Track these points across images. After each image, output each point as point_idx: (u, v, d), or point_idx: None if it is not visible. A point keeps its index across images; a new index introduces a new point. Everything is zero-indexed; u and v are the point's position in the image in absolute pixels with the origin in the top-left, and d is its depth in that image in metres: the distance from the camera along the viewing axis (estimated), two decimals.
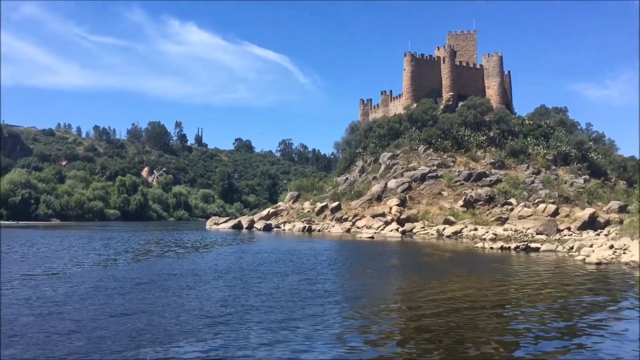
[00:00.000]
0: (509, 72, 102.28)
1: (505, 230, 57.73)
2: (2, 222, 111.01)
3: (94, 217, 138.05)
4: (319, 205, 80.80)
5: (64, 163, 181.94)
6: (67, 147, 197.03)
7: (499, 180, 75.84)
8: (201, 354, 11.09)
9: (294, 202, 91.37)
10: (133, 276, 23.90)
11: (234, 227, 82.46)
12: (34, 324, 13.54)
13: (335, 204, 78.50)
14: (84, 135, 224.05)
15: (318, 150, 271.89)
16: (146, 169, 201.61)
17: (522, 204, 67.68)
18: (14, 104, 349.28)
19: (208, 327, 13.66)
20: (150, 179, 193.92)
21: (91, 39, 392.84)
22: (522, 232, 56.01)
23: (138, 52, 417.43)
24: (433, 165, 79.71)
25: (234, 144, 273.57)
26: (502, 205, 69.05)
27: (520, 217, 63.00)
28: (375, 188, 77.62)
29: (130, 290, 19.38)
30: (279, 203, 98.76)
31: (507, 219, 64.90)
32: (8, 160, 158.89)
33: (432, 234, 61.54)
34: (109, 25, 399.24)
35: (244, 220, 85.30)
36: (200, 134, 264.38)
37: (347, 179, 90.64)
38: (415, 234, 63.47)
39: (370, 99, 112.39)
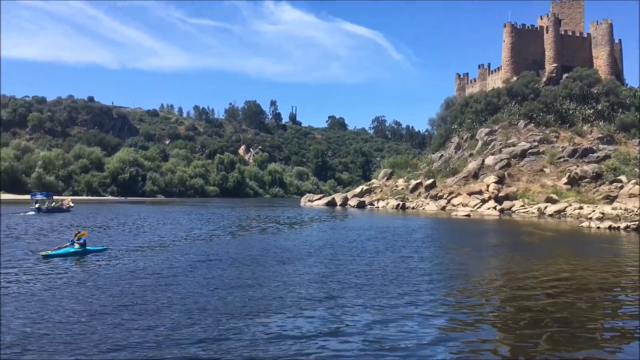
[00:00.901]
0: (619, 40, 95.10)
1: (614, 209, 54.24)
2: (112, 197, 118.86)
3: (195, 194, 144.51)
4: (413, 182, 79.73)
5: (167, 142, 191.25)
6: (169, 127, 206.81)
7: (607, 157, 71.11)
8: (295, 330, 11.23)
9: (387, 179, 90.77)
10: (232, 251, 24.71)
11: (328, 204, 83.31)
12: (140, 295, 14.30)
13: (430, 181, 77.12)
14: (185, 115, 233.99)
15: (412, 127, 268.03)
16: (243, 147, 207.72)
17: (633, 181, 63.14)
18: (122, 86, 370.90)
19: (304, 302, 13.81)
20: (246, 157, 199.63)
21: (190, 21, 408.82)
22: (632, 211, 52.38)
23: (234, 33, 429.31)
24: (534, 141, 76.05)
25: (327, 121, 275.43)
26: (611, 183, 64.78)
27: (631, 196, 58.87)
28: (472, 165, 75.35)
29: (229, 265, 20.03)
30: (373, 180, 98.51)
31: (616, 197, 60.92)
32: (117, 140, 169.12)
33: (532, 213, 59.02)
34: (207, 8, 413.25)
35: (338, 198, 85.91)
36: (294, 112, 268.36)
37: (442, 156, 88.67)
38: (514, 212, 61.16)
39: (467, 73, 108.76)
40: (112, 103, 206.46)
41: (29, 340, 9.85)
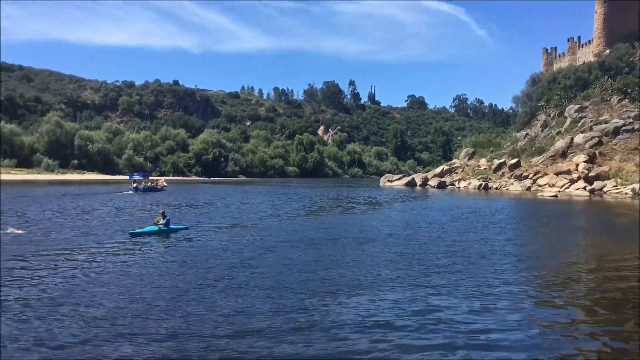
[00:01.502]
0: None
1: None
2: (197, 177, 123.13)
3: (275, 174, 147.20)
4: (496, 162, 77.24)
5: (248, 123, 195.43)
6: (250, 108, 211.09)
7: None
8: (374, 312, 11.11)
9: (469, 159, 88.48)
10: (311, 231, 24.86)
11: (408, 184, 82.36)
12: (222, 274, 14.65)
13: (514, 160, 74.43)
14: (265, 96, 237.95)
15: (495, 105, 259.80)
16: (322, 127, 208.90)
17: None
18: (205, 69, 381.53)
19: (383, 284, 13.64)
20: (325, 137, 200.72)
21: (270, 4, 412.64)
22: None
23: (313, 13, 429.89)
24: (629, 117, 71.38)
25: (406, 100, 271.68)
26: None
27: None
28: (560, 144, 71.92)
29: (309, 244, 20.14)
30: (454, 160, 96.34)
31: None
32: (201, 122, 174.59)
33: (626, 194, 55.68)
34: None
35: (418, 178, 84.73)
36: (373, 91, 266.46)
37: (527, 134, 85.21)
38: (605, 193, 57.97)
39: (555, 48, 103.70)
40: (196, 86, 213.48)
41: (120, 314, 10.31)
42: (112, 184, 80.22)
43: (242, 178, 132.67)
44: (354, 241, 21.12)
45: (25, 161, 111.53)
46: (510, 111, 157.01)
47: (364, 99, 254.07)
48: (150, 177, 73.62)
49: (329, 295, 12.18)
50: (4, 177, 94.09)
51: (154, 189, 61.73)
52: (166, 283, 12.93)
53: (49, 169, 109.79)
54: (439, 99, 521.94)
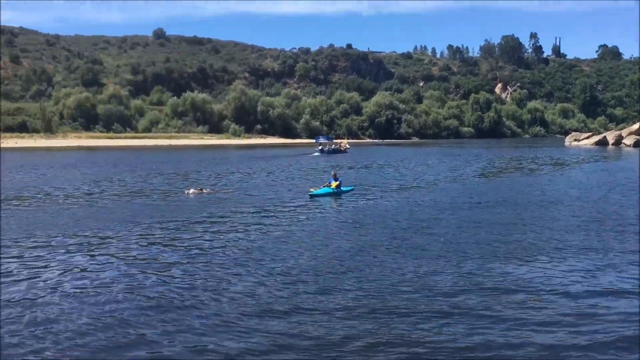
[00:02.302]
0: None
1: None
2: (370, 140, 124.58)
3: (450, 135, 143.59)
4: None
5: (421, 84, 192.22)
6: (423, 69, 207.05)
7: None
8: (557, 279, 10.16)
9: None
10: (489, 192, 23.79)
11: (598, 143, 75.38)
12: (394, 235, 14.54)
13: None
14: (438, 55, 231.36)
15: None
16: (499, 85, 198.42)
17: None
18: (377, 31, 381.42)
19: (567, 250, 12.46)
20: (503, 95, 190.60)
21: None
22: None
23: None
24: None
25: (597, 51, 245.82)
26: None
27: None
28: None
29: (487, 206, 19.22)
30: None
31: None
32: (373, 84, 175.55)
33: None
34: None
35: (610, 136, 76.96)
36: (557, 43, 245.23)
37: None
38: None
39: None
40: (368, 49, 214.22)
41: (300, 270, 10.65)
42: (299, 147, 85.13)
43: (415, 140, 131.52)
44: (536, 204, 19.71)
45: (215, 127, 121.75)
46: None
47: (547, 52, 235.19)
48: (334, 140, 78.06)
49: (510, 260, 11.43)
50: (200, 142, 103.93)
51: (337, 151, 65.19)
52: (344, 243, 13.08)
53: (235, 134, 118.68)
54: (636, 48, 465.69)
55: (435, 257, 11.58)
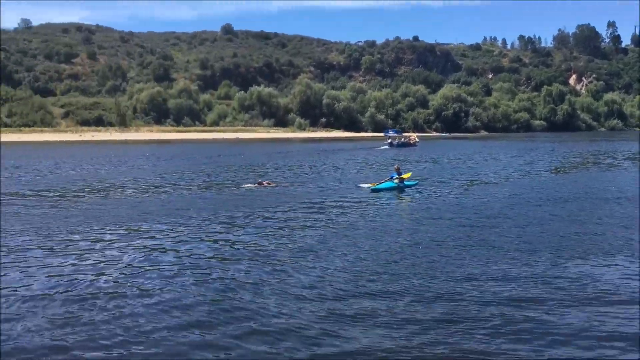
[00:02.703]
0: None
1: None
2: (436, 134, 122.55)
3: (520, 129, 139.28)
4: None
5: (490, 76, 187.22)
6: (492, 60, 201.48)
7: None
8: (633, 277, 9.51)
9: None
10: (562, 187, 22.73)
11: None
12: (462, 232, 14.08)
13: None
14: (508, 46, 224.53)
15: None
16: (573, 76, 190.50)
17: None
18: (445, 22, 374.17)
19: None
20: (578, 87, 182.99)
21: None
22: None
23: None
24: None
25: None
26: None
27: None
28: None
29: (559, 202, 18.24)
30: None
31: None
32: (440, 77, 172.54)
33: None
34: None
35: None
36: (637, 32, 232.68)
37: None
38: None
39: None
40: (435, 41, 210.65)
41: (362, 267, 10.47)
42: (365, 140, 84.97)
43: (483, 133, 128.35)
44: (611, 200, 18.67)
45: (281, 121, 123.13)
46: None
47: (626, 41, 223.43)
48: (403, 134, 78.25)
49: (585, 258, 10.79)
50: (266, 135, 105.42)
51: (406, 145, 64.99)
52: (406, 240, 12.65)
53: (301, 128, 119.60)
54: None
55: (506, 256, 11.05)
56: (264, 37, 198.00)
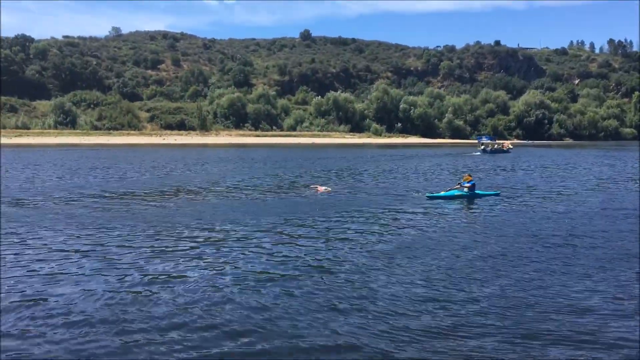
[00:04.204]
0: None
1: None
2: (517, 141, 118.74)
3: (608, 137, 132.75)
4: None
5: (576, 81, 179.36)
6: (579, 65, 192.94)
7: None
8: None
9: None
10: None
11: None
12: (534, 251, 13.65)
13: None
14: (597, 50, 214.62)
15: None
16: None
17: None
18: (529, 26, 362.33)
19: None
20: None
21: None
22: None
23: None
24: None
25: None
26: None
27: None
28: None
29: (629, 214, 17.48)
30: None
31: None
32: (522, 82, 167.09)
33: None
34: None
35: None
36: None
37: None
38: None
39: None
40: (518, 45, 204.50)
41: (428, 282, 10.39)
42: (443, 147, 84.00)
43: (568, 141, 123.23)
44: None
45: (357, 126, 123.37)
46: None
47: None
48: (496, 140, 77.94)
49: None
50: (342, 140, 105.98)
51: (499, 151, 64.86)
52: (471, 254, 12.15)
53: (377, 133, 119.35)
54: None
55: (586, 275, 10.65)
56: (342, 42, 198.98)
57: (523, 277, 10.01)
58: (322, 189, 23.37)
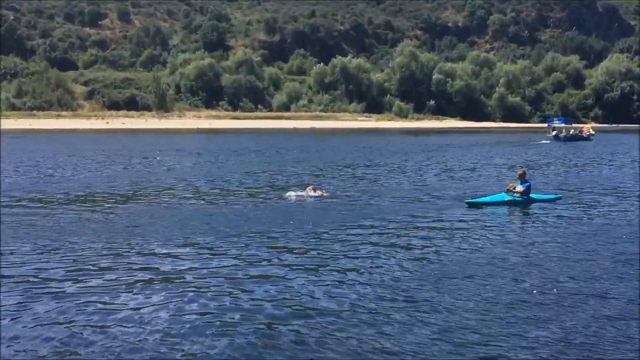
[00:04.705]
0: None
1: None
2: (596, 124, 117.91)
3: None
4: None
5: None
6: None
7: None
8: None
9: None
10: None
11: None
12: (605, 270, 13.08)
13: None
14: None
15: None
16: None
17: None
18: None
19: None
20: None
21: None
22: None
23: None
24: None
25: None
26: None
27: None
28: None
29: None
30: None
31: None
32: (603, 44, 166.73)
33: None
34: None
35: None
36: None
37: None
38: None
39: None
40: None
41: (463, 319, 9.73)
42: (494, 132, 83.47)
43: None
44: None
45: (374, 104, 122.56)
46: None
47: None
48: (573, 124, 77.95)
49: None
50: (353, 124, 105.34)
51: (577, 138, 65.00)
52: (517, 286, 11.77)
53: (401, 114, 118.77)
54: None
55: None
56: None
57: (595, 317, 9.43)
58: (315, 192, 22.80)
